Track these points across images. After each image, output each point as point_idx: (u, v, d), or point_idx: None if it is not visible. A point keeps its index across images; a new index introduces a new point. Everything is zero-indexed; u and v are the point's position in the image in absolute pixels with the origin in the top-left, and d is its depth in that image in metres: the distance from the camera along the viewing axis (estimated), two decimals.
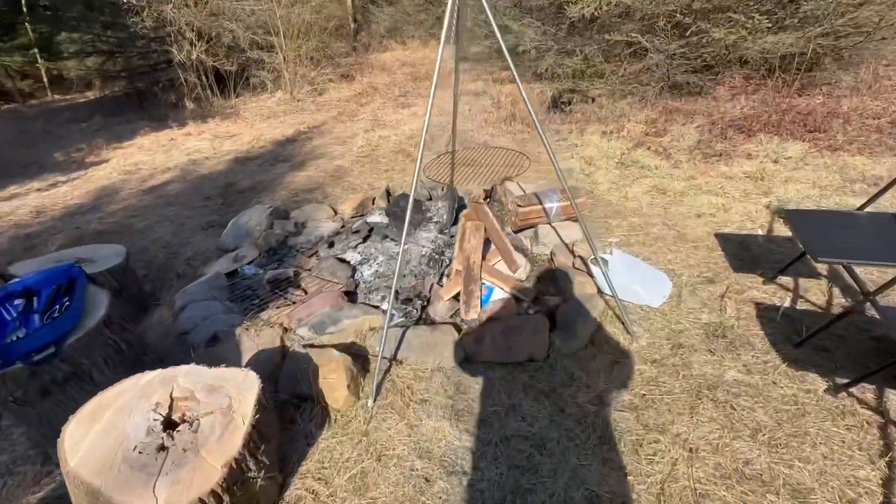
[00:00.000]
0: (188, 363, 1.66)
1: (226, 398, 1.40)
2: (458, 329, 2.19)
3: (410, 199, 1.72)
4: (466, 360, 1.99)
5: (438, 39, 1.63)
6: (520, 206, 2.89)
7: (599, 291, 2.31)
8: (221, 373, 1.49)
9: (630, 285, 2.28)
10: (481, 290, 2.29)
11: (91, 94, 11.05)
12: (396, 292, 2.44)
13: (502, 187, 3.73)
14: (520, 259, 2.43)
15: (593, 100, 5.79)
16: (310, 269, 2.75)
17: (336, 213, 3.65)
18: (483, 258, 2.36)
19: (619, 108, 5.37)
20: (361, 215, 3.53)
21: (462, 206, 3.30)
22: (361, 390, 1.87)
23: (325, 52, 9.36)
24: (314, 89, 8.70)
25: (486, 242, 2.39)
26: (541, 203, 2.88)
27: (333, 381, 1.78)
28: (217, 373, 1.49)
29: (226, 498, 1.22)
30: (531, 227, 2.96)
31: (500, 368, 1.95)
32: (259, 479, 1.35)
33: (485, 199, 3.49)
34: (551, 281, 2.47)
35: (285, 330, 2.21)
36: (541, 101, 6.30)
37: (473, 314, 2.24)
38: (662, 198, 3.46)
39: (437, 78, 1.63)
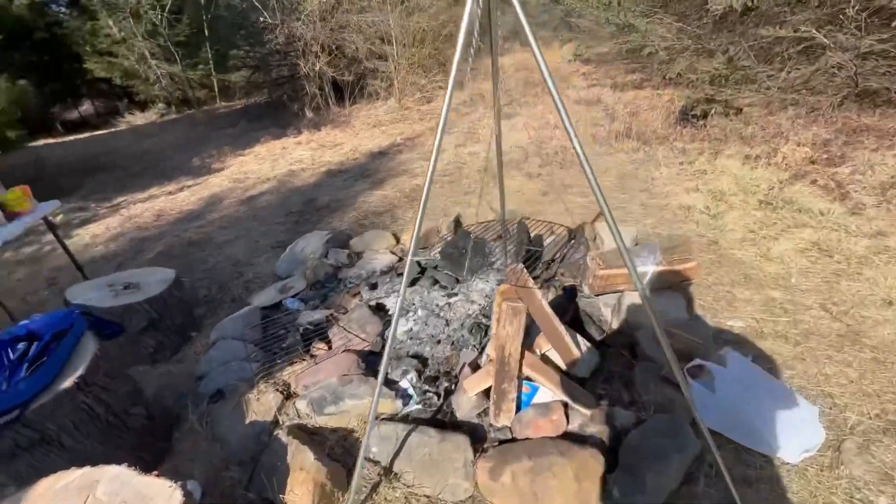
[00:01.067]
0: (183, 422, 1.41)
1: None
2: (481, 438, 1.66)
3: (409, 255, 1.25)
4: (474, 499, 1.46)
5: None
6: (601, 265, 2.21)
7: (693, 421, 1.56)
8: (149, 484, 1.22)
9: (749, 419, 1.50)
10: (521, 388, 1.72)
11: (242, 103, 12.67)
12: (417, 367, 1.99)
13: (593, 227, 3.03)
14: (581, 348, 1.79)
15: (738, 112, 4.58)
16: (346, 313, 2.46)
17: (398, 242, 3.34)
18: (531, 345, 1.78)
19: (776, 124, 4.13)
20: (424, 247, 3.16)
21: (533, 248, 2.71)
22: None
23: (438, 59, 9.25)
24: (423, 97, 8.66)
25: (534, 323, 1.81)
26: (630, 264, 2.16)
27: (297, 497, 1.41)
28: (145, 482, 1.22)
29: None
30: (615, 292, 2.25)
31: None
32: None
33: (570, 239, 2.84)
34: (625, 384, 1.78)
35: (287, 397, 1.92)
36: (668, 111, 5.24)
37: (505, 420, 1.68)
38: (827, 263, 2.42)
39: (443, 123, 1.14)
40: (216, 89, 14.48)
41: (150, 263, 3.52)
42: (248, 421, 1.81)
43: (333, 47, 8.62)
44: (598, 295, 2.29)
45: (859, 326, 1.96)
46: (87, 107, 16.56)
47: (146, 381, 2.14)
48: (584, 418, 1.65)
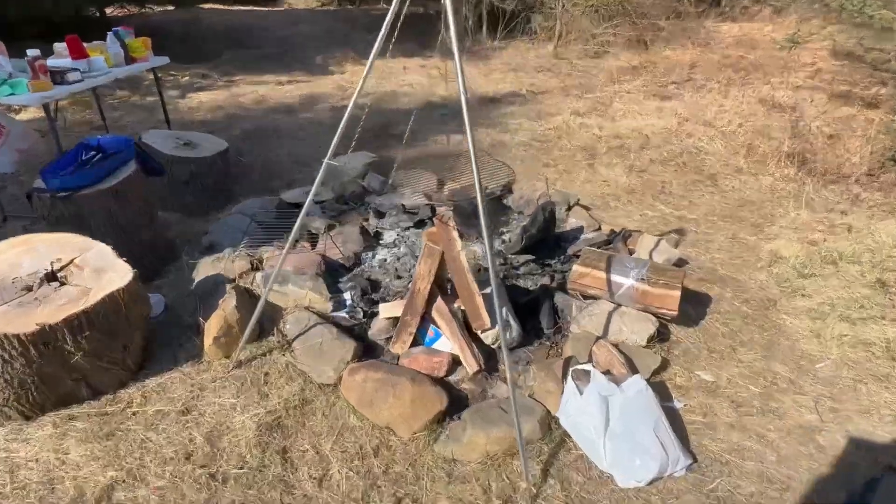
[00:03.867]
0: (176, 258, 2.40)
1: (96, 283, 2.02)
2: (373, 355, 2.29)
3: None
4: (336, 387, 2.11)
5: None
6: (577, 265, 2.57)
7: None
8: (121, 264, 2.13)
9: (599, 431, 1.85)
10: (426, 328, 2.27)
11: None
12: (365, 287, 2.65)
13: (640, 238, 3.27)
14: (498, 320, 2.25)
15: None
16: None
17: (440, 187, 3.97)
18: (448, 293, 2.30)
19: None
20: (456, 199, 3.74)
21: (548, 234, 3.11)
22: (233, 351, 2.25)
23: (624, 6, 9.26)
24: (586, 50, 8.86)
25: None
26: (608, 272, 2.49)
27: (211, 325, 2.22)
28: (119, 263, 2.13)
29: (32, 349, 1.84)
30: (589, 297, 2.60)
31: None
32: (75, 358, 1.93)
33: (608, 242, 3.15)
34: (528, 366, 2.21)
35: (255, 269, 2.77)
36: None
37: (398, 349, 2.27)
38: (870, 369, 2.40)
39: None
40: None
41: (231, 140, 4.73)
42: (217, 272, 2.70)
43: None
44: (579, 294, 2.65)
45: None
46: None
47: (171, 222, 3.20)
48: (464, 374, 2.16)
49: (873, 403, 2.22)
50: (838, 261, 3.16)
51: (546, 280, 2.85)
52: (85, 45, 3.34)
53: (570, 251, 3.15)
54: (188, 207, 3.41)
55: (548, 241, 3.19)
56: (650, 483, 1.79)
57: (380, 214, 3.38)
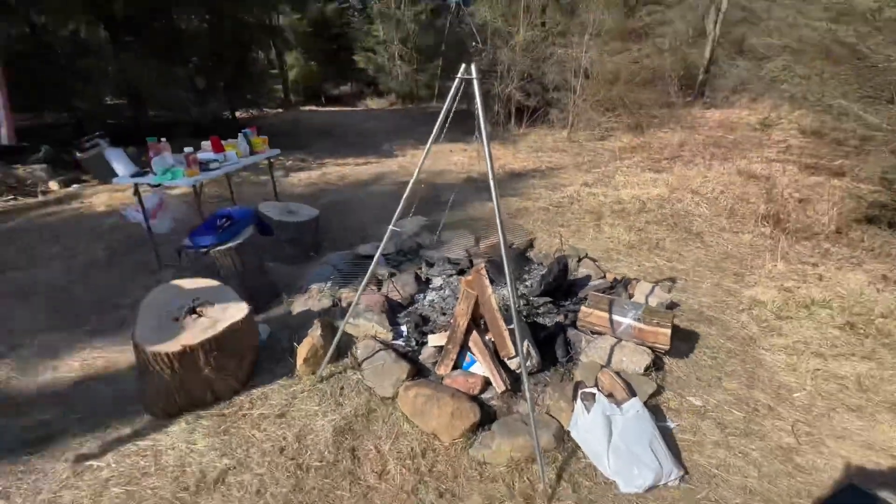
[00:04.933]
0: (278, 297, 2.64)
1: (222, 316, 2.20)
2: (420, 374, 2.34)
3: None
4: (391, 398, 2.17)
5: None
6: (585, 306, 2.58)
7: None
8: (237, 302, 2.31)
9: (603, 444, 1.82)
10: (464, 355, 2.32)
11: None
12: (418, 321, 2.74)
13: (637, 285, 3.24)
14: (521, 350, 2.28)
15: None
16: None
17: (476, 244, 4.07)
18: (482, 326, 2.35)
19: None
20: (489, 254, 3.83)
21: (563, 281, 3.13)
22: (318, 369, 2.36)
23: (624, 101, 9.39)
24: (593, 134, 8.98)
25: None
26: (610, 313, 2.48)
27: (302, 348, 2.35)
28: (236, 301, 2.32)
29: (176, 364, 2.01)
30: (595, 332, 2.58)
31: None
32: (205, 371, 2.09)
33: (611, 287, 3.14)
34: (545, 388, 2.20)
35: (334, 305, 2.92)
36: (853, 208, 4.60)
37: (442, 370, 2.32)
38: (842, 399, 2.25)
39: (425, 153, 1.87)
40: (436, 91, 17.20)
41: (320, 207, 5.05)
42: (308, 307, 2.86)
43: (528, 75, 9.63)
44: (587, 330, 2.64)
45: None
46: (345, 87, 21.44)
47: (275, 269, 3.42)
48: (494, 393, 2.18)
49: (846, 430, 2.07)
50: (811, 305, 3.01)
51: (560, 318, 2.85)
52: (223, 142, 3.74)
53: (580, 295, 3.15)
54: (288, 259, 3.64)
55: (562, 287, 3.20)
56: (647, 490, 1.73)
57: (430, 264, 3.50)
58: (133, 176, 3.22)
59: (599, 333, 2.57)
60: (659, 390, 2.25)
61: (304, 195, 5.61)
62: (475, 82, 1.76)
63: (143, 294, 2.34)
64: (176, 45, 8.32)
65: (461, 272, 3.36)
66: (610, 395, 2.08)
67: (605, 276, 3.41)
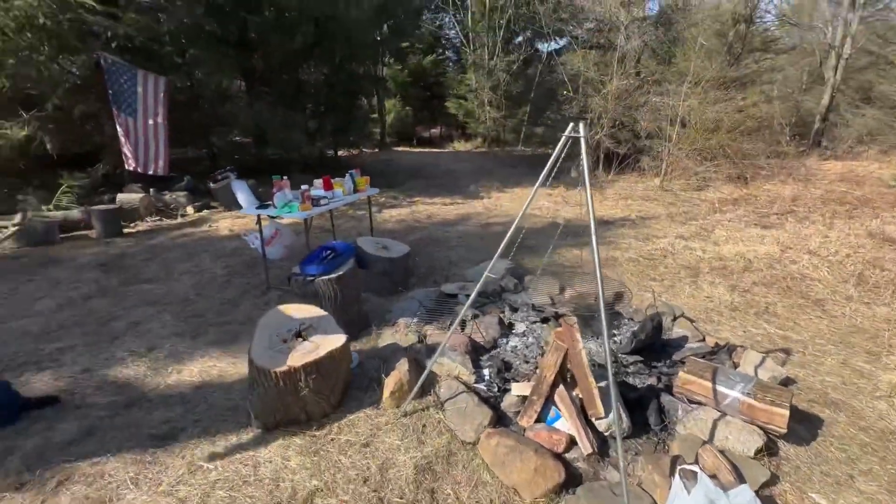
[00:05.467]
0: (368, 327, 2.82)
1: (323, 342, 2.38)
2: (503, 423, 2.30)
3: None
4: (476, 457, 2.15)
5: None
6: (684, 371, 2.38)
7: None
8: (338, 332, 2.49)
9: None
10: (549, 408, 2.24)
11: (531, 151, 14.99)
12: (500, 366, 2.72)
13: (743, 353, 2.94)
14: (610, 410, 2.15)
15: None
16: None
17: (561, 292, 3.99)
18: (569, 381, 2.27)
19: None
20: (576, 304, 3.72)
21: (655, 340, 2.94)
22: (404, 401, 2.42)
23: (725, 150, 8.83)
24: (689, 184, 8.51)
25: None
26: (713, 382, 2.26)
27: (389, 381, 2.44)
28: (336, 330, 2.50)
29: (281, 382, 2.20)
30: (695, 402, 2.36)
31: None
32: (304, 392, 2.26)
33: (712, 353, 2.89)
34: (636, 457, 2.04)
35: (420, 341, 3.00)
36: None
37: (524, 422, 2.26)
38: None
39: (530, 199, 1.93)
40: (522, 136, 17.56)
41: (408, 243, 5.31)
42: (395, 340, 2.98)
43: (619, 122, 9.50)
44: (685, 398, 2.43)
45: None
46: (435, 130, 22.71)
47: (367, 300, 3.63)
48: (580, 454, 2.07)
49: None
50: None
51: (653, 380, 2.66)
52: (332, 180, 4.16)
53: (675, 357, 2.92)
54: (379, 291, 3.85)
55: (654, 346, 3.00)
56: None
57: (513, 309, 3.48)
58: (258, 207, 3.67)
59: (699, 404, 2.34)
60: (773, 479, 1.98)
61: (394, 230, 5.95)
62: (583, 140, 1.80)
63: (252, 311, 2.61)
64: (298, 95, 9.53)
65: (545, 320, 3.30)
66: (714, 477, 1.87)
67: (704, 340, 3.13)
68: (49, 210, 6.23)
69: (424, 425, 2.32)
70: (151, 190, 7.12)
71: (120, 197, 6.75)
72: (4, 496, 1.92)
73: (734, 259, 4.66)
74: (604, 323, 1.73)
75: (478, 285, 2.17)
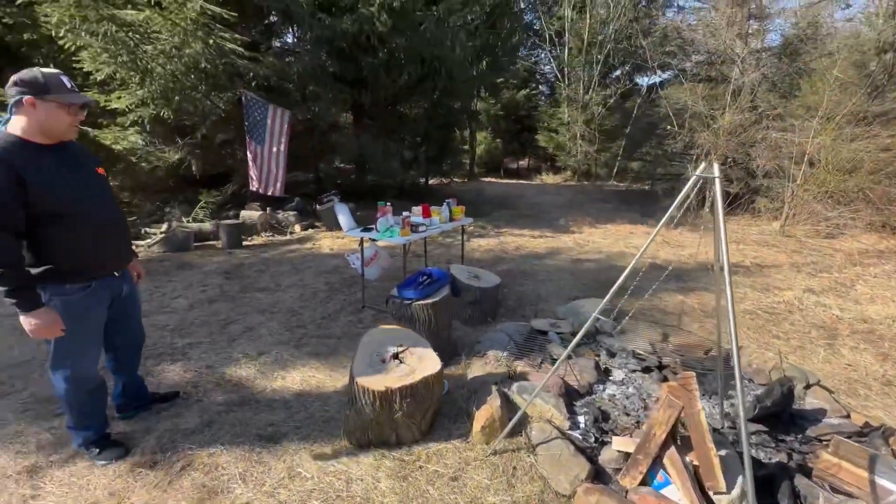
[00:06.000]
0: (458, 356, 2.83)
1: (419, 366, 2.41)
2: (601, 479, 2.11)
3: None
4: None
5: None
6: (828, 453, 2.01)
7: None
8: (432, 355, 2.51)
9: None
10: (656, 471, 2.02)
11: (625, 185, 14.31)
12: (597, 415, 2.53)
13: None
14: (733, 485, 1.87)
15: None
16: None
17: (664, 340, 3.66)
18: (679, 444, 2.02)
19: None
20: (683, 355, 3.40)
21: (785, 409, 2.55)
22: (494, 438, 2.34)
23: (866, 194, 7.67)
24: (817, 230, 7.49)
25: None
26: (871, 472, 1.88)
27: (480, 415, 2.39)
28: (431, 355, 2.53)
29: (377, 402, 2.26)
30: (843, 492, 1.97)
31: None
32: (397, 414, 2.29)
33: (861, 434, 2.45)
34: None
35: (510, 377, 2.92)
36: None
37: (626, 483, 2.05)
38: None
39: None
40: (615, 170, 16.92)
41: (497, 273, 5.30)
42: (485, 372, 2.93)
43: (731, 158, 8.73)
44: (827, 485, 2.05)
45: None
46: (524, 162, 22.80)
47: (458, 329, 3.64)
48: None
49: None
50: None
51: (783, 457, 2.28)
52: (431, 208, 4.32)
53: (809, 432, 2.50)
54: (469, 320, 3.85)
55: (782, 416, 2.60)
56: None
57: (611, 354, 3.26)
58: (363, 230, 3.91)
59: (848, 495, 1.95)
60: None
61: (482, 260, 5.97)
62: (717, 182, 1.66)
63: (347, 327, 2.73)
64: (399, 127, 10.21)
65: (647, 370, 3.04)
66: None
67: (849, 416, 2.64)
68: (188, 222, 7.26)
69: (515, 468, 2.22)
70: (268, 208, 7.99)
71: (242, 213, 7.66)
72: (141, 471, 2.18)
73: (883, 322, 3.94)
74: (738, 382, 1.53)
75: (584, 326, 2.06)
